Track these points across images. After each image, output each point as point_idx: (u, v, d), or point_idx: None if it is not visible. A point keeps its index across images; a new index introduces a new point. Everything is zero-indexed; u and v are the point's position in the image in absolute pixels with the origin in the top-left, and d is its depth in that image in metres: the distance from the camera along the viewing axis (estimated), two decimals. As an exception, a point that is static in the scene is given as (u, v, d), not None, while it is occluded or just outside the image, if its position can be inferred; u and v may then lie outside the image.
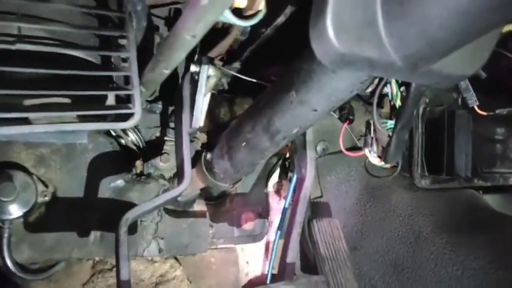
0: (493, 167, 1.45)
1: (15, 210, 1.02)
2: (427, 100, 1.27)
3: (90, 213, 1.16)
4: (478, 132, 1.35)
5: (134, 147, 1.20)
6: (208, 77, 1.01)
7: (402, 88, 1.04)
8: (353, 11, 0.59)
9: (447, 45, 0.61)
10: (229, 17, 0.89)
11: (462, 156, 1.28)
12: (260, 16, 0.91)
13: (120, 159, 1.20)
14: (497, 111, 1.22)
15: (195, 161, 1.19)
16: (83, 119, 0.89)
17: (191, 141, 1.20)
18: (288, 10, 0.90)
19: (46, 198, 1.09)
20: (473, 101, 1.15)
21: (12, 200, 1.01)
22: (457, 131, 1.26)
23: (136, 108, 0.83)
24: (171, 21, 1.21)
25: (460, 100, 1.28)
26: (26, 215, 1.05)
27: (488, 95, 1.21)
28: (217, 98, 1.30)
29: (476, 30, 0.59)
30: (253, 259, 1.54)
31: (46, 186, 1.11)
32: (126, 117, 0.86)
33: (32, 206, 1.04)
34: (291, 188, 1.22)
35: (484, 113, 1.18)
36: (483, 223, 1.36)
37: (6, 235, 1.02)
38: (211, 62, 1.04)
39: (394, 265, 1.31)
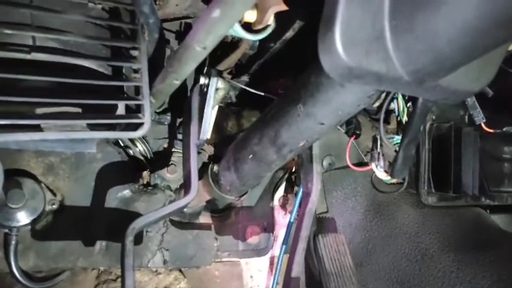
0: (500, 185, 1.43)
1: (23, 218, 1.03)
2: (434, 117, 1.27)
3: (96, 223, 1.17)
4: (486, 149, 1.34)
5: (142, 158, 1.21)
6: (216, 89, 1.02)
7: (409, 104, 1.05)
8: (361, 25, 0.60)
9: (454, 60, 0.62)
10: (239, 31, 0.91)
11: (469, 174, 1.27)
12: (269, 30, 0.93)
13: (128, 170, 1.21)
14: (504, 129, 1.21)
15: (202, 172, 1.20)
16: (93, 127, 0.90)
17: (198, 153, 1.21)
18: (297, 25, 0.91)
19: (54, 206, 1.09)
20: (480, 118, 1.15)
21: (21, 208, 1.02)
22: (464, 148, 1.26)
23: (146, 118, 0.85)
24: (182, 35, 1.24)
25: (466, 117, 1.28)
26: (33, 223, 1.06)
27: (495, 113, 1.21)
28: (225, 110, 1.31)
29: (483, 46, 0.60)
30: (257, 273, 1.53)
31: (54, 194, 1.12)
32: (135, 127, 0.88)
33: (39, 214, 1.05)
34: (297, 203, 1.21)
35: (491, 131, 1.18)
36: (490, 242, 1.34)
37: (13, 242, 1.03)
38: (220, 74, 1.05)
39: (400, 282, 1.29)
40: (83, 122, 0.84)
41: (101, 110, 0.93)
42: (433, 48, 0.59)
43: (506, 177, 1.49)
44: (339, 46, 0.60)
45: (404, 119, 1.05)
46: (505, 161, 1.47)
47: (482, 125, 1.17)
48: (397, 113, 1.10)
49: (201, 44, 0.65)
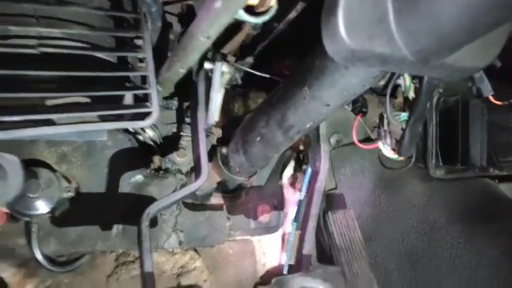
0: (508, 156, 1.43)
1: (42, 206, 1.07)
2: (441, 90, 1.26)
3: (112, 208, 1.21)
4: (493, 121, 1.33)
5: (152, 143, 1.23)
6: (222, 73, 1.03)
7: (416, 81, 1.04)
8: (364, 8, 0.60)
9: (458, 40, 0.62)
10: (242, 14, 0.90)
11: (477, 146, 1.27)
12: (272, 12, 0.91)
13: (139, 155, 1.23)
14: None
15: (211, 155, 1.21)
16: (103, 118, 0.92)
17: (207, 136, 1.22)
18: (300, 6, 0.91)
19: (70, 193, 1.13)
20: (487, 91, 1.14)
21: (38, 197, 1.06)
22: (472, 120, 1.25)
23: (154, 106, 0.86)
24: (184, 17, 1.23)
25: (474, 89, 1.27)
26: (52, 211, 1.10)
27: (503, 84, 1.19)
28: (231, 93, 1.31)
29: (485, 25, 0.60)
30: (269, 250, 1.57)
31: (69, 182, 1.15)
32: (143, 116, 0.89)
33: (57, 201, 1.09)
34: (306, 181, 1.23)
35: (499, 103, 1.17)
36: (499, 212, 1.35)
37: (34, 230, 1.07)
38: (224, 58, 1.05)
39: (409, 255, 1.32)
40: (94, 114, 0.85)
41: (109, 100, 0.94)
42: (436, 28, 0.59)
43: (514, 147, 1.48)
44: (342, 30, 0.60)
45: (411, 94, 1.05)
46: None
47: (490, 97, 1.16)
48: (403, 89, 1.10)
49: (205, 34, 0.65)
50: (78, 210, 1.17)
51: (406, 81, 1.07)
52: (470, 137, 1.27)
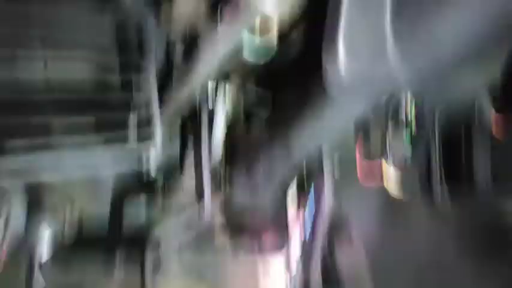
0: (514, 178, 1.40)
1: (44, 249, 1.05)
2: (441, 114, 1.25)
3: (114, 240, 1.19)
4: (496, 144, 1.31)
5: (154, 168, 1.22)
6: (224, 102, 1.03)
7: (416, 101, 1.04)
8: (364, 33, 0.60)
9: (458, 65, 0.62)
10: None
11: (482, 167, 1.25)
12: (273, 39, 0.93)
13: (141, 180, 1.22)
14: (516, 122, 1.19)
15: (215, 187, 1.20)
16: (106, 142, 0.92)
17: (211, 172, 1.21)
18: (301, 35, 0.92)
19: (72, 230, 1.12)
20: (489, 108, 1.13)
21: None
22: (475, 141, 1.24)
23: (157, 129, 0.86)
24: (187, 42, 1.24)
25: (476, 106, 1.25)
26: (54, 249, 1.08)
27: (505, 98, 1.18)
28: (234, 120, 1.31)
29: (488, 50, 0.60)
30: (274, 272, 1.54)
31: (71, 219, 1.14)
32: (147, 139, 0.89)
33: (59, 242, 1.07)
34: (310, 201, 1.22)
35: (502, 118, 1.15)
36: (507, 237, 1.32)
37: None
38: (227, 88, 1.06)
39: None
40: (97, 137, 0.86)
41: (113, 121, 0.94)
42: (436, 53, 0.60)
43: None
44: (342, 56, 0.61)
45: (413, 114, 1.04)
46: (518, 150, 1.44)
47: (492, 115, 1.15)
48: (403, 109, 1.09)
49: (207, 62, 0.66)
50: (81, 247, 1.16)
51: (406, 103, 1.06)
52: (475, 157, 1.25)
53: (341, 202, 1.38)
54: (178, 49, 1.21)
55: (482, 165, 1.26)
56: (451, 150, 1.31)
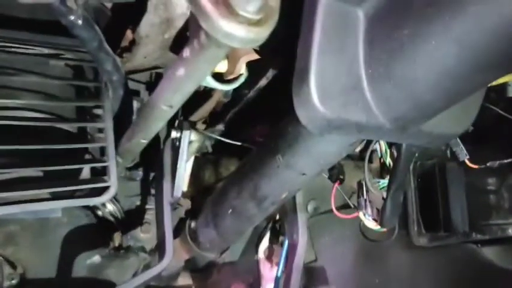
0: (489, 219, 1.40)
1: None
2: (417, 154, 1.24)
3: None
4: (471, 184, 1.32)
5: (112, 219, 1.12)
6: (190, 142, 0.97)
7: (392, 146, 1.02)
8: (337, 75, 0.57)
9: (436, 106, 0.59)
10: (210, 82, 0.87)
11: (458, 211, 1.24)
12: (241, 80, 0.90)
13: (97, 233, 1.11)
14: (488, 164, 1.20)
15: (179, 230, 1.12)
16: (56, 195, 0.83)
17: (174, 208, 1.13)
18: (270, 73, 0.88)
19: (13, 281, 0.98)
20: (463, 155, 1.13)
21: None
22: (450, 184, 1.23)
23: (112, 180, 0.78)
24: (152, 85, 1.19)
25: (449, 153, 1.26)
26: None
27: (477, 147, 1.19)
28: (201, 160, 1.25)
29: (465, 90, 0.58)
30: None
31: (14, 267, 1.01)
32: (101, 191, 0.80)
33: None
34: (283, 254, 1.14)
35: (476, 166, 1.16)
36: (485, 279, 1.29)
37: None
38: (193, 126, 1.01)
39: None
40: (46, 191, 0.76)
41: (64, 174, 0.85)
42: (413, 95, 0.57)
43: (494, 209, 1.46)
44: (315, 99, 0.56)
45: (388, 160, 1.01)
46: (490, 193, 1.45)
47: (466, 161, 1.15)
48: (380, 155, 1.07)
49: (168, 103, 0.60)
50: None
51: (382, 147, 1.04)
52: (450, 201, 1.24)
53: (316, 250, 1.32)
54: (142, 93, 1.17)
55: (458, 204, 1.24)
56: (426, 190, 1.30)
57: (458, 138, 1.14)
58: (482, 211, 1.39)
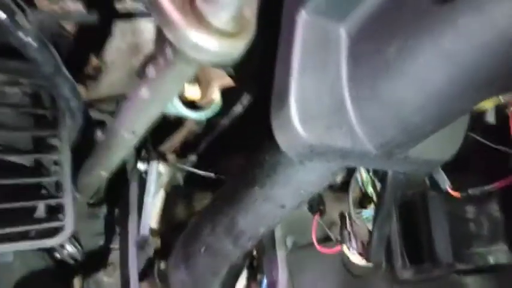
0: (472, 247, 1.37)
1: None
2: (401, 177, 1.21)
3: None
4: (453, 212, 1.29)
5: (72, 261, 1.01)
6: (159, 174, 0.89)
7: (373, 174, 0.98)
8: (318, 95, 0.52)
9: (425, 129, 0.55)
10: (181, 110, 0.81)
11: (441, 241, 1.20)
12: (215, 107, 0.84)
13: (55, 278, 1.00)
14: (470, 192, 1.18)
15: (146, 272, 1.02)
16: (6, 236, 0.72)
17: (141, 248, 1.04)
18: (245, 99, 0.84)
19: None
20: (444, 184, 1.10)
21: None
22: (432, 214, 1.20)
23: (67, 219, 0.69)
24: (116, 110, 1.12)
25: (428, 181, 1.24)
26: None
27: (456, 175, 1.17)
28: (172, 194, 1.17)
29: (455, 111, 0.54)
30: None
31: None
32: (55, 231, 0.71)
33: None
34: (262, 290, 1.06)
35: (457, 195, 1.13)
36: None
37: None
38: (162, 157, 0.94)
39: None
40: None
41: (16, 211, 0.76)
42: (400, 116, 0.53)
43: (474, 238, 1.44)
44: (295, 121, 0.51)
45: (370, 190, 0.97)
46: (470, 221, 1.43)
47: (448, 189, 1.13)
48: (360, 183, 1.02)
49: (130, 129, 0.53)
50: None
51: (362, 175, 1.00)
52: (433, 231, 1.20)
53: (294, 279, 1.24)
54: (107, 123, 1.09)
55: (441, 235, 1.21)
56: (408, 221, 1.26)
57: (439, 167, 1.12)
58: (464, 240, 1.36)
